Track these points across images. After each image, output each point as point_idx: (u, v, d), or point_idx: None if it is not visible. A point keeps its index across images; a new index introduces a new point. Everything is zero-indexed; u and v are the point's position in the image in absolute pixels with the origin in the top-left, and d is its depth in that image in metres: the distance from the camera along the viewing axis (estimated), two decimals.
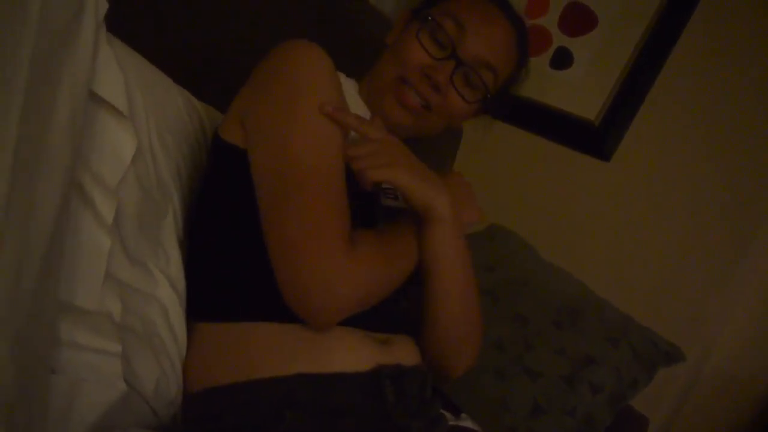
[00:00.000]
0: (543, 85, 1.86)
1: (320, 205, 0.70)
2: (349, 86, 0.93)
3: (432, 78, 0.84)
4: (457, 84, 0.87)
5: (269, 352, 0.72)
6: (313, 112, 0.73)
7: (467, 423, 1.00)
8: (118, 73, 0.70)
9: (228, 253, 0.78)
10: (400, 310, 0.86)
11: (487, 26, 0.87)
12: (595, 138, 1.76)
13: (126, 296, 0.68)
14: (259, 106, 0.77)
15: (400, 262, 0.79)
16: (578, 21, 1.81)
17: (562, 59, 1.84)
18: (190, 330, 0.78)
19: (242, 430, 0.68)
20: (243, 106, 0.80)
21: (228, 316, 0.75)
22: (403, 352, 0.82)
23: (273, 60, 0.78)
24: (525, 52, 0.96)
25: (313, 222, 0.68)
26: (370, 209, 0.87)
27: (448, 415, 0.88)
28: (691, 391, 1.70)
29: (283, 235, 0.69)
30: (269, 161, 0.73)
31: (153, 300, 0.73)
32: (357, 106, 0.91)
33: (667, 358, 1.20)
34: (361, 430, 0.71)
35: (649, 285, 1.66)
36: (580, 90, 1.80)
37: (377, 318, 0.78)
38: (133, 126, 0.72)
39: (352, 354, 0.74)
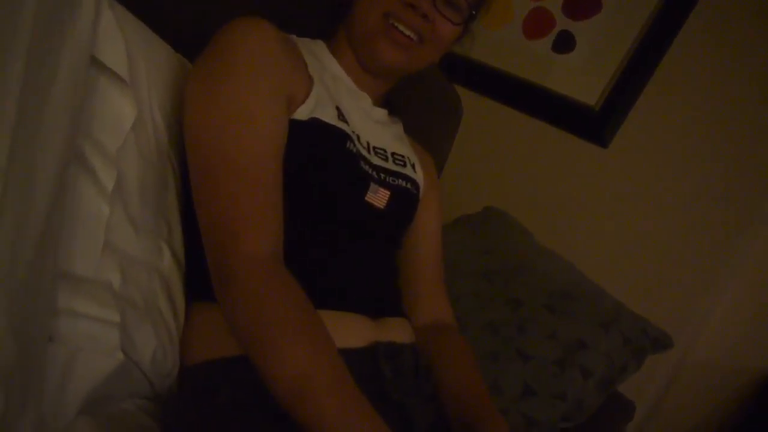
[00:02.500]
0: (544, 68, 1.85)
1: (232, 194, 0.68)
2: (318, 48, 0.91)
3: (417, 7, 0.82)
4: (441, 8, 0.85)
5: None
6: (237, 94, 0.72)
7: None
8: (120, 38, 0.68)
9: None
10: (391, 294, 0.86)
11: None
12: (595, 124, 1.75)
13: (127, 266, 0.68)
14: (192, 83, 0.75)
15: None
16: (582, 4, 1.79)
17: (565, 43, 1.82)
18: (188, 308, 0.78)
19: (238, 403, 0.68)
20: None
21: None
22: (397, 331, 0.83)
23: (215, 37, 0.76)
24: None
25: (220, 211, 0.68)
26: (353, 175, 0.84)
27: None
28: (677, 378, 1.72)
29: (202, 217, 0.70)
30: (190, 142, 0.73)
31: (154, 271, 0.72)
32: (330, 66, 0.90)
33: (655, 344, 1.21)
34: None
35: (642, 272, 1.66)
36: (582, 75, 1.79)
37: (371, 301, 0.79)
38: (133, 93, 0.71)
39: (348, 331, 0.74)
